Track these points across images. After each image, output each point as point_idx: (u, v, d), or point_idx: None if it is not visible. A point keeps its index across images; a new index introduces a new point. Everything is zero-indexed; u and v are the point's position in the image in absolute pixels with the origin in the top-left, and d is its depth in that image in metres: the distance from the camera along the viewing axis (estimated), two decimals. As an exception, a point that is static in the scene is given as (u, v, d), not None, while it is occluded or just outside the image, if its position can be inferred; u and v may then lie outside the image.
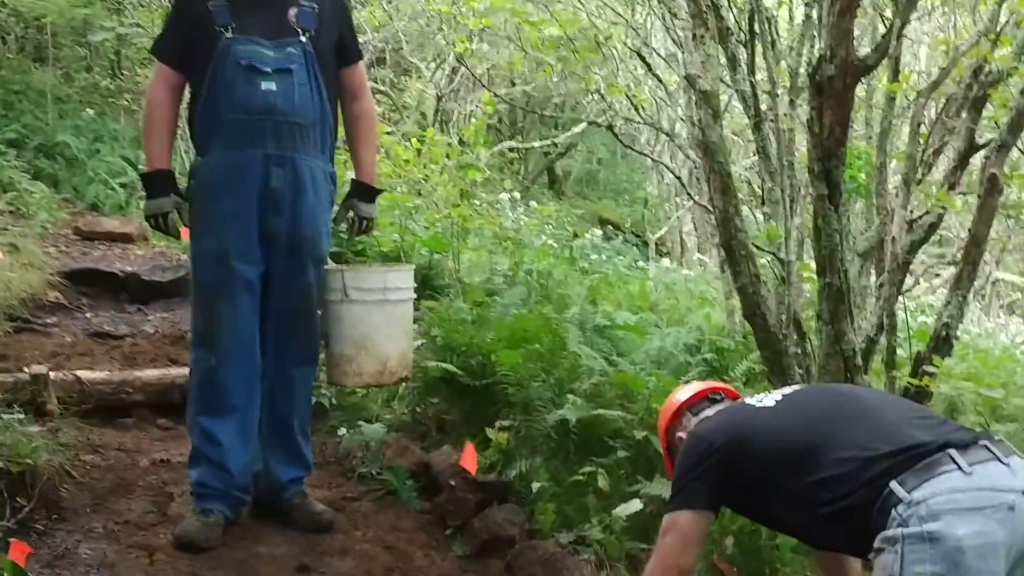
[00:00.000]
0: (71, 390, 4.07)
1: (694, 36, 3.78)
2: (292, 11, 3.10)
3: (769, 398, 2.46)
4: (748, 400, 2.52)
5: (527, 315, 4.31)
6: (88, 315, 5.63)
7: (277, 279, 3.18)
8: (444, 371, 4.01)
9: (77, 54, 11.51)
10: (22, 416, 3.44)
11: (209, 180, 3.11)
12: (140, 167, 8.42)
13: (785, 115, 4.19)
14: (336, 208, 3.46)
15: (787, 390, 2.53)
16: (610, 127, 5.43)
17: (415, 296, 3.53)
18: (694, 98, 4.29)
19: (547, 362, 3.88)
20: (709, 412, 2.57)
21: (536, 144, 11.61)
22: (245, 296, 3.12)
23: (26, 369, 4.05)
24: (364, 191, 3.39)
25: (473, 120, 6.65)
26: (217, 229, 3.09)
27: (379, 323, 3.33)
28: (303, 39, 3.09)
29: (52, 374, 4.03)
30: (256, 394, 3.24)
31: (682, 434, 2.58)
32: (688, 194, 6.90)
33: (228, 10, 3.04)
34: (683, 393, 2.69)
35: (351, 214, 3.39)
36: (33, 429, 3.46)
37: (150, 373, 4.39)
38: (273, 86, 3.02)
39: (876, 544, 2.04)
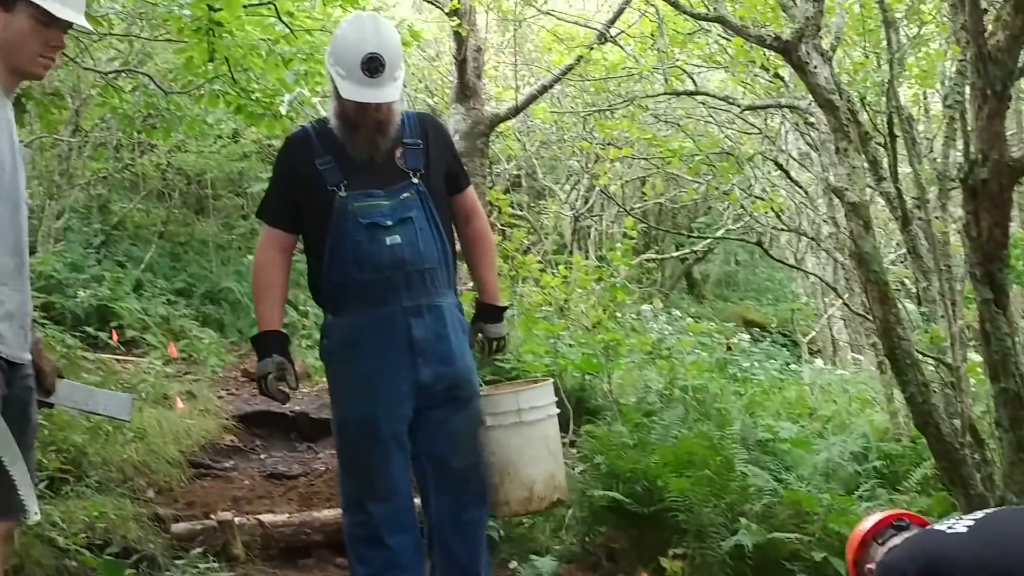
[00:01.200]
0: (255, 534, 4.25)
1: (837, 149, 3.81)
2: (398, 152, 3.02)
3: (960, 523, 2.38)
4: (937, 526, 2.45)
5: (689, 436, 4.30)
6: (263, 456, 5.89)
7: (435, 427, 3.03)
8: (610, 499, 4.02)
9: (235, 203, 12.36)
10: (216, 564, 3.61)
11: (347, 342, 3.01)
12: (300, 307, 8.91)
13: (936, 218, 4.13)
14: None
15: (979, 514, 2.44)
16: (759, 243, 5.42)
17: (557, 412, 3.32)
18: (839, 205, 4.26)
19: (715, 485, 3.84)
20: (896, 540, 2.50)
21: (674, 254, 11.67)
22: (397, 456, 3.00)
23: (212, 516, 4.28)
24: (490, 311, 3.26)
25: (618, 244, 6.76)
26: (361, 393, 2.96)
27: (518, 447, 3.15)
28: (415, 180, 3.00)
29: (236, 519, 4.25)
30: (421, 552, 3.08)
31: (871, 566, 2.52)
32: (841, 299, 6.77)
33: (337, 167, 2.97)
34: (867, 523, 2.64)
35: (480, 336, 3.26)
36: (225, 576, 3.64)
37: (327, 513, 4.53)
38: (398, 239, 2.94)
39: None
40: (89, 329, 7.42)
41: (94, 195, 10.72)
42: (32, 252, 8.49)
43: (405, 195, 2.98)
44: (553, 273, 5.86)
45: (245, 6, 4.47)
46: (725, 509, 3.75)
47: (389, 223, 2.94)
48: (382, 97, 2.90)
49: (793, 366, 9.15)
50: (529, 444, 3.16)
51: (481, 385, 3.37)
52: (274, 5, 4.95)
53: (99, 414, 2.66)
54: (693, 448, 4.06)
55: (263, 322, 3.08)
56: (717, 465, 3.96)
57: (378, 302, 2.95)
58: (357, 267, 2.94)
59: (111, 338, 7.33)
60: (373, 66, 2.86)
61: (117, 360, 6.88)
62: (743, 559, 3.54)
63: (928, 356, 4.02)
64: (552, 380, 3.37)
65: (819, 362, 9.19)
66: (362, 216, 2.93)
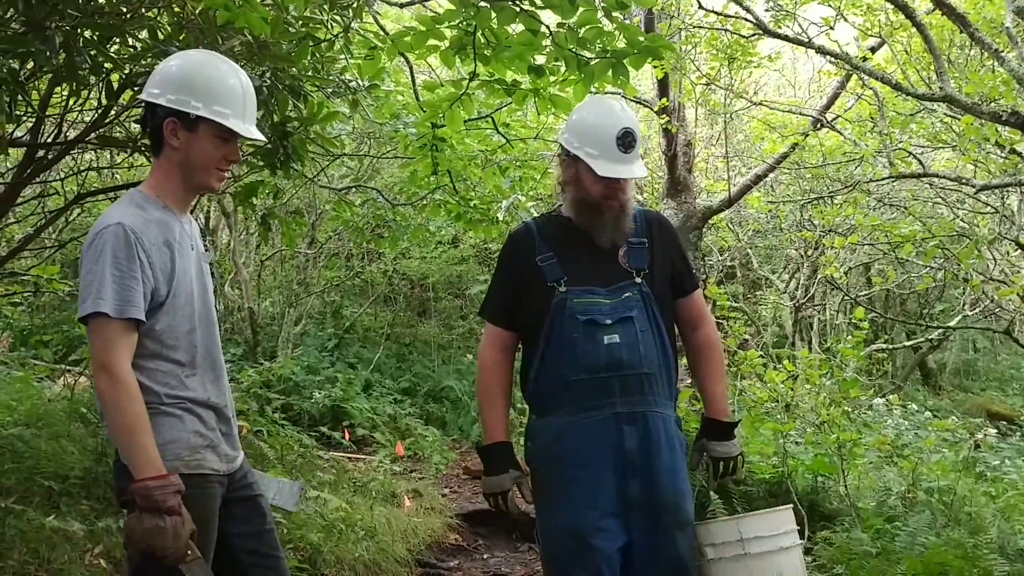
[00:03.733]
0: (482, 637, 4.26)
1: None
2: (621, 251, 2.89)
3: None
4: None
5: (939, 544, 3.93)
6: (485, 556, 5.93)
7: (642, 553, 2.77)
8: (854, 613, 3.73)
9: (454, 305, 12.86)
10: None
11: (555, 446, 2.83)
12: (517, 404, 9.04)
13: None
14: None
15: None
16: (1007, 332, 5.01)
17: (799, 543, 2.92)
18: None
19: (975, 602, 3.48)
20: None
21: (907, 343, 10.99)
22: (605, 574, 2.74)
23: (441, 618, 4.32)
24: (718, 428, 2.96)
25: (848, 336, 6.47)
26: (569, 502, 2.77)
27: None
28: (638, 280, 2.85)
29: (464, 621, 4.28)
30: None
31: None
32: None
33: (558, 263, 2.86)
34: None
35: (705, 456, 2.96)
36: None
37: (550, 618, 4.48)
38: (616, 338, 2.78)
39: None
40: (324, 429, 7.84)
41: (328, 301, 11.47)
42: (272, 357, 9.19)
43: (627, 295, 2.83)
44: (776, 367, 5.63)
45: (465, 121, 4.70)
46: (989, 630, 3.38)
47: (608, 321, 2.79)
48: (637, 172, 2.84)
49: (1053, 464, 8.26)
50: None
51: (712, 513, 3.08)
52: (492, 118, 5.19)
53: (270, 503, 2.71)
54: (945, 558, 3.71)
55: (490, 432, 2.93)
56: (975, 578, 3.60)
57: (590, 406, 2.78)
58: (571, 366, 2.79)
59: (343, 437, 7.68)
60: (628, 141, 2.79)
61: (349, 458, 7.20)
62: None
63: None
64: (791, 507, 3.01)
65: (1084, 460, 8.24)
66: (580, 313, 2.80)
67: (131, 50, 3.64)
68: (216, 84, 2.34)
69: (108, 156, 7.15)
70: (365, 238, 8.40)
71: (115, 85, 3.80)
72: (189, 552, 2.17)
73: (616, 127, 2.79)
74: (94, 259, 2.20)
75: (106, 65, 3.51)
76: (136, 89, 3.70)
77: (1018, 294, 5.23)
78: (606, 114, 2.85)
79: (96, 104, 4.12)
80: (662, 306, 2.88)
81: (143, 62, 3.51)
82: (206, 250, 2.56)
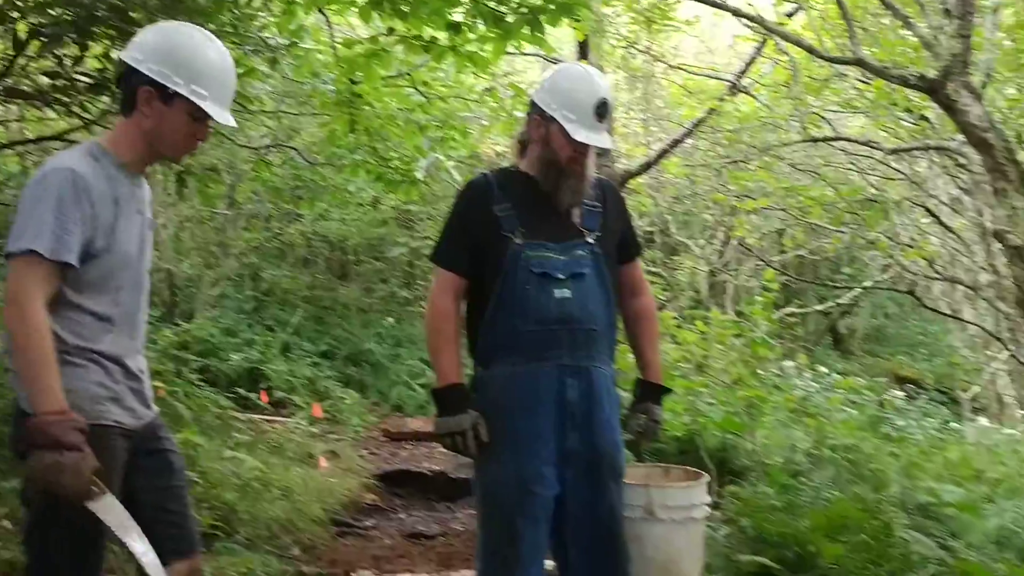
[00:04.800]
0: (396, 594, 4.28)
1: (995, 190, 3.62)
2: (576, 211, 2.93)
3: None
4: None
5: (842, 498, 4.08)
6: (402, 516, 5.95)
7: (577, 503, 2.84)
8: (758, 564, 3.82)
9: (375, 267, 12.74)
10: (359, 624, 3.64)
11: (499, 396, 2.86)
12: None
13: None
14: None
15: None
16: (911, 292, 5.17)
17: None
18: (998, 250, 4.02)
19: (874, 552, 3.61)
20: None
21: (818, 308, 11.28)
22: (542, 522, 2.82)
23: (354, 574, 4.34)
24: (657, 392, 3.08)
25: (757, 297, 6.61)
26: (512, 451, 2.81)
27: (683, 546, 2.97)
28: (590, 240, 2.91)
29: (379, 579, 4.29)
30: None
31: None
32: (1009, 351, 6.36)
33: (515, 214, 2.88)
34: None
35: (644, 419, 3.03)
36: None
37: (465, 573, 4.53)
38: (568, 293, 2.83)
39: None
40: (241, 390, 7.73)
41: (246, 264, 11.25)
42: (190, 319, 9.01)
43: (579, 252, 2.89)
44: (690, 329, 5.74)
45: (383, 78, 4.64)
46: (886, 578, 3.52)
47: (561, 276, 2.84)
48: (608, 142, 2.93)
49: (954, 425, 8.61)
50: (692, 543, 3.01)
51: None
52: (410, 75, 5.13)
53: None
54: (847, 511, 3.84)
55: (447, 374, 2.87)
56: (875, 530, 3.72)
57: (536, 356, 2.82)
58: (522, 318, 2.82)
59: (260, 399, 7.60)
60: (604, 111, 2.85)
61: (266, 420, 7.12)
62: (907, 632, 3.30)
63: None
64: (707, 477, 3.16)
65: (983, 420, 8.62)
66: (534, 265, 2.83)
67: (37, -1, 3.50)
68: (200, 62, 2.31)
69: (16, 109, 6.85)
70: (284, 199, 8.27)
71: (22, 36, 3.66)
72: (95, 488, 2.12)
73: (595, 95, 2.84)
74: (37, 198, 2.16)
75: (11, 14, 3.38)
76: (44, 41, 3.58)
77: (923, 257, 5.42)
78: (587, 81, 2.90)
79: (0, 55, 3.96)
80: (610, 268, 2.95)
81: (50, 13, 3.39)
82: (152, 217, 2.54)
